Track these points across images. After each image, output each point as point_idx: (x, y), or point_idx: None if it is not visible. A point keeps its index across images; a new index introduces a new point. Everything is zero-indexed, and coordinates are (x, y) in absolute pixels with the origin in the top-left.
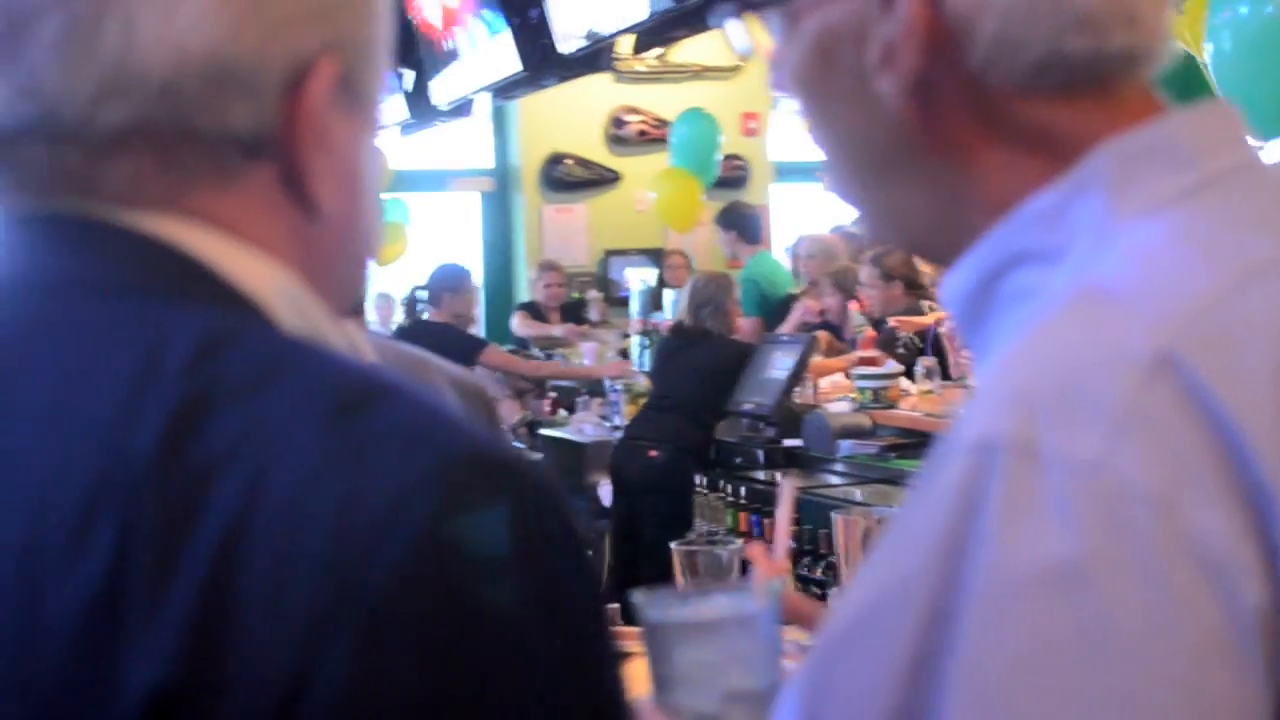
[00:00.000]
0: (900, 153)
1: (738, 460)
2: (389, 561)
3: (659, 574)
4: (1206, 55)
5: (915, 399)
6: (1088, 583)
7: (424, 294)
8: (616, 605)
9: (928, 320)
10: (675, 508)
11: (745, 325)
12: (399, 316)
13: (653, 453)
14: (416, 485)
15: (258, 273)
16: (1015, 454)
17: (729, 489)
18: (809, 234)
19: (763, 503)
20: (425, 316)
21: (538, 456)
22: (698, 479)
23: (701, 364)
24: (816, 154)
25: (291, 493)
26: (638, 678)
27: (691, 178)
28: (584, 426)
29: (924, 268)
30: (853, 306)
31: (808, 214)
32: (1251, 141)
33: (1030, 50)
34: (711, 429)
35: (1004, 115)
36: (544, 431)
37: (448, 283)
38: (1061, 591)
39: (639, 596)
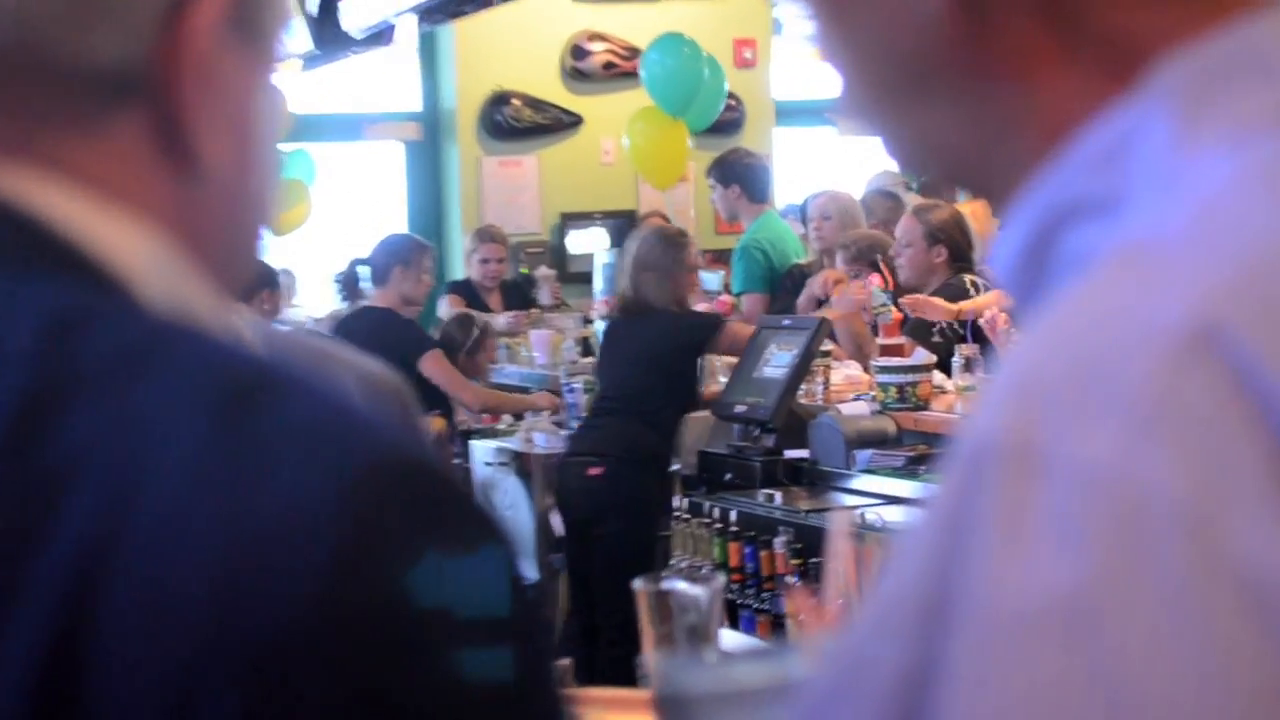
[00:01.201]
0: (938, 66)
1: (728, 477)
2: (286, 595)
3: (618, 621)
4: None
5: (952, 397)
6: (1101, 622)
7: (366, 269)
8: (569, 661)
9: (951, 309)
10: (631, 536)
11: (749, 304)
12: (307, 300)
13: (592, 470)
14: (318, 499)
15: (122, 238)
16: (1009, 459)
17: (716, 513)
18: (823, 191)
19: (760, 530)
20: (368, 300)
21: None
22: (677, 500)
23: (646, 348)
24: (829, 90)
25: (165, 507)
26: None
27: (674, 121)
28: (535, 436)
29: (980, 227)
30: (874, 281)
31: (818, 165)
32: None
33: None
34: (669, 430)
35: (1072, 17)
36: (482, 443)
37: (398, 254)
38: (1067, 633)
39: (659, 662)
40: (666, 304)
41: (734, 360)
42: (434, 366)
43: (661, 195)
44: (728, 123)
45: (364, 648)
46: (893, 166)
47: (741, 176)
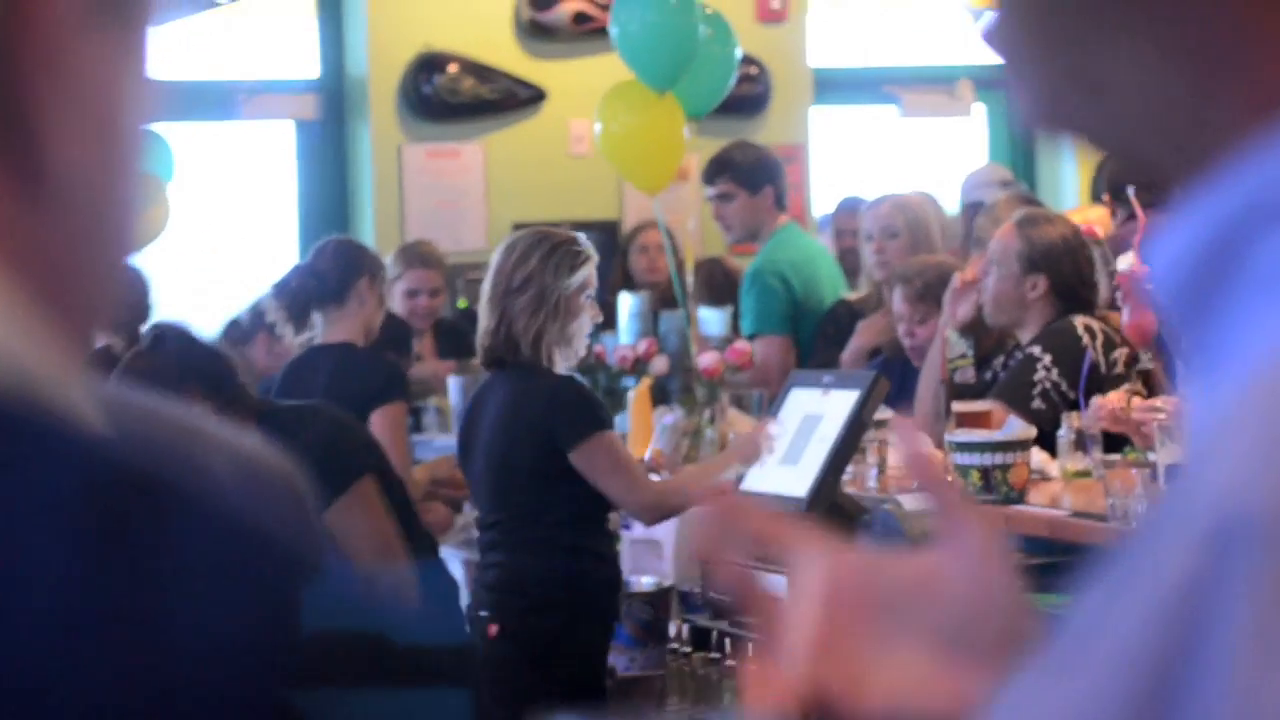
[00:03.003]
0: None
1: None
2: None
3: None
4: None
5: (1058, 486)
6: None
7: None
8: None
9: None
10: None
11: (764, 349)
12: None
13: (491, 630)
14: (242, 665)
15: None
16: (1273, 538)
17: (727, 645)
18: (885, 196)
19: None
20: (314, 333)
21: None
22: (673, 629)
23: (497, 423)
24: (887, 56)
25: (27, 672)
26: None
27: (663, 98)
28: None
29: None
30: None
31: (871, 158)
32: None
33: None
34: (578, 547)
35: None
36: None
37: (366, 263)
38: None
39: None
40: (538, 354)
41: (749, 429)
42: (392, 420)
43: (649, 201)
44: (746, 99)
45: None
46: (998, 160)
47: (774, 176)
